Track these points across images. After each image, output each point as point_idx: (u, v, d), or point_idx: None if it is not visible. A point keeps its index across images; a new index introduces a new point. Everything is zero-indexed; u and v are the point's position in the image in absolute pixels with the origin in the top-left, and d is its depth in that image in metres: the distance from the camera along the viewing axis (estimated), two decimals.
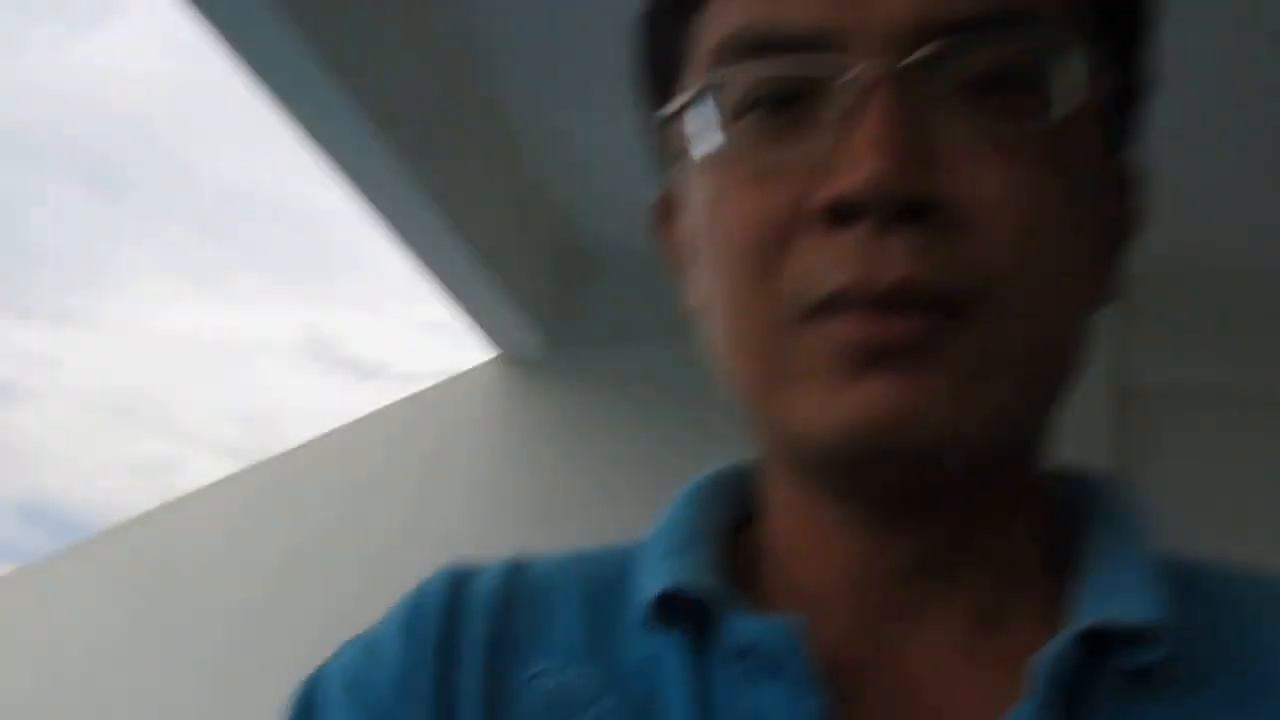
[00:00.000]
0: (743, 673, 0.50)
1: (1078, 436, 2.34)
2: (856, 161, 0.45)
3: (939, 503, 0.51)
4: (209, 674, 3.19)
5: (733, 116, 0.50)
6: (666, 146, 0.57)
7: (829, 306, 0.47)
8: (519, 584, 0.58)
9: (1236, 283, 2.99)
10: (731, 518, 0.58)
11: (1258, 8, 2.09)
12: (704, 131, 0.51)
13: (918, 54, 0.47)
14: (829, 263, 0.47)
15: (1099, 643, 0.48)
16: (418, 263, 2.89)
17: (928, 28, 0.47)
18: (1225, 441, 2.91)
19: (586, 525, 3.17)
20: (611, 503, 3.12)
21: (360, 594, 3.15)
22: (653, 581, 0.53)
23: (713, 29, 0.51)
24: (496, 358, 3.45)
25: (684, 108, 0.52)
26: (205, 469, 3.56)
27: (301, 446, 3.44)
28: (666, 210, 0.60)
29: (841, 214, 0.46)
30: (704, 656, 0.52)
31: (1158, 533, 0.54)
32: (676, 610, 0.53)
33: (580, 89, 2.68)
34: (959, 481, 0.50)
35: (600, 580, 0.57)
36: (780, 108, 0.49)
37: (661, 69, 0.56)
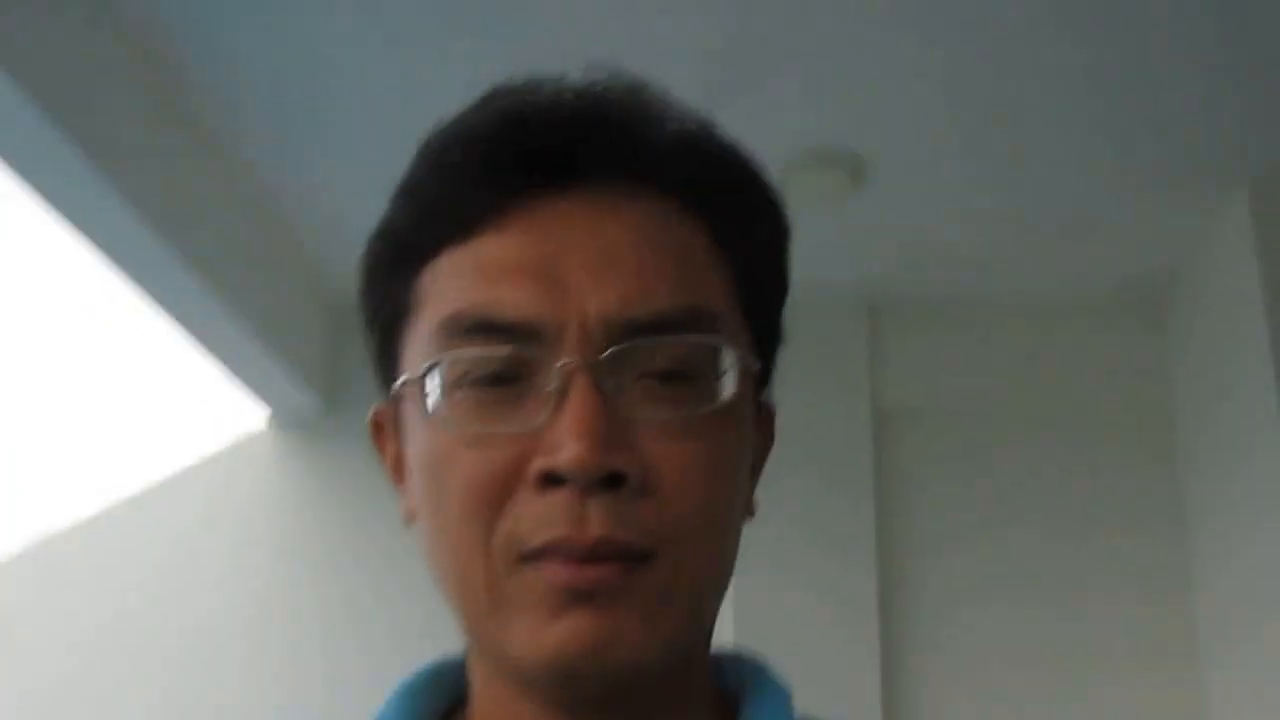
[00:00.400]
0: None
1: (846, 454, 2.44)
2: (562, 443, 0.56)
3: (626, 703, 0.60)
4: None
5: (453, 387, 0.59)
6: (385, 380, 0.66)
7: (540, 555, 0.57)
8: None
9: (964, 313, 3.21)
10: (440, 708, 0.68)
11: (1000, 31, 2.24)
12: (427, 397, 0.60)
13: (610, 350, 0.57)
14: (541, 520, 0.57)
15: None
16: (175, 325, 2.79)
17: (619, 327, 0.57)
18: (969, 452, 3.14)
19: (367, 583, 3.12)
20: (388, 560, 3.07)
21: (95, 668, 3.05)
22: None
23: (434, 298, 0.61)
24: (269, 420, 3.34)
25: (410, 378, 0.61)
26: None
27: (69, 529, 3.26)
28: (381, 426, 0.69)
29: (552, 481, 0.56)
30: None
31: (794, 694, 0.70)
32: None
33: (341, 143, 2.64)
34: (644, 686, 0.59)
35: None
36: (493, 384, 0.58)
37: (386, 312, 0.65)
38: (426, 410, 0.60)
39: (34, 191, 2.18)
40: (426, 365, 0.60)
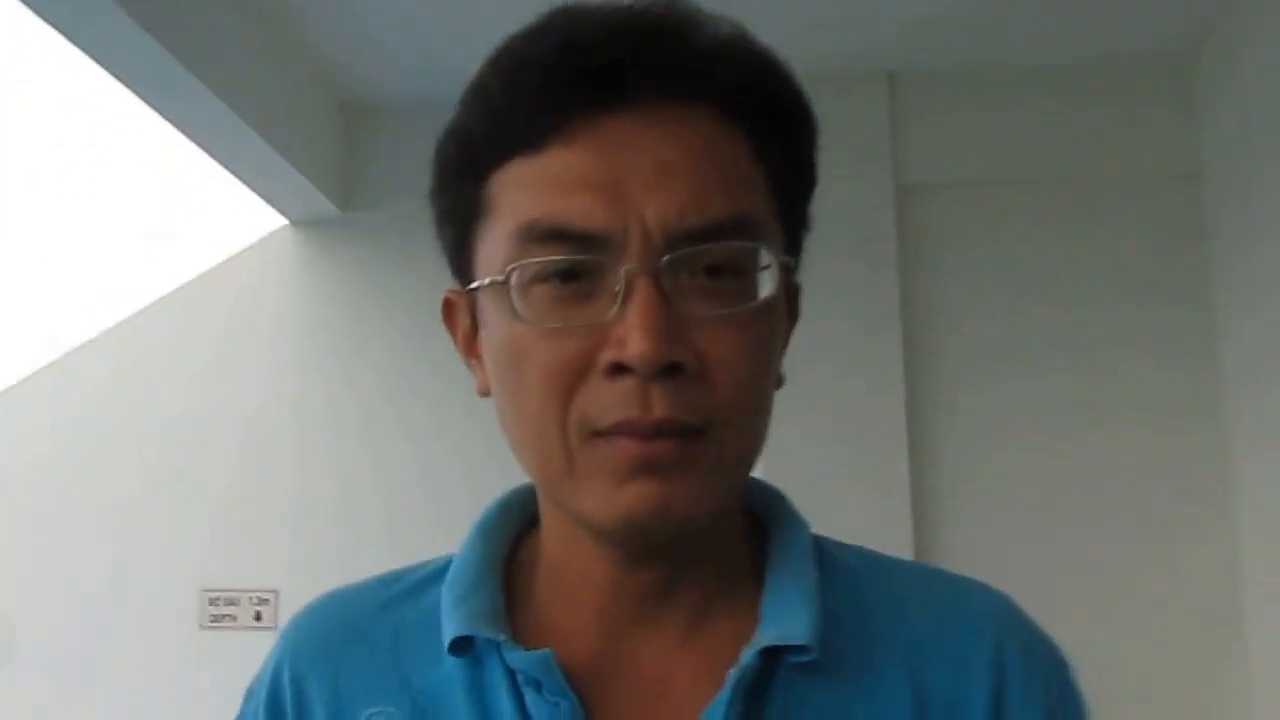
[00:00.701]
0: (512, 687, 0.73)
1: (869, 227, 2.43)
2: (628, 338, 0.65)
3: (680, 548, 0.73)
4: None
5: (529, 285, 0.68)
6: (462, 268, 0.74)
7: (611, 432, 0.67)
8: (343, 631, 0.80)
9: (984, 84, 3.13)
10: (513, 536, 0.81)
11: None
12: (509, 294, 0.68)
13: (667, 257, 0.66)
14: (611, 403, 0.67)
15: (776, 652, 0.72)
16: (186, 133, 2.76)
17: (675, 235, 0.67)
18: (990, 223, 3.11)
19: (392, 378, 3.19)
20: (415, 352, 3.12)
21: (161, 467, 3.18)
22: (450, 626, 0.74)
23: (507, 205, 0.69)
24: (285, 225, 3.34)
25: (489, 280, 0.70)
26: None
27: (106, 332, 3.33)
28: (452, 306, 0.78)
29: (620, 370, 0.66)
30: (486, 674, 0.74)
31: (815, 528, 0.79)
32: (467, 645, 0.74)
33: None
34: (695, 534, 0.72)
35: (407, 623, 0.79)
36: (566, 281, 0.67)
37: (460, 213, 0.73)
38: (509, 306, 0.69)
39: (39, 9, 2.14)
40: (508, 268, 0.68)
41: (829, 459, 2.93)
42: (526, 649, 0.73)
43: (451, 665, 0.75)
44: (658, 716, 0.73)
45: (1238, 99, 2.83)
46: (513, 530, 0.81)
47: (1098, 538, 2.93)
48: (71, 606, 3.18)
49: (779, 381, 0.75)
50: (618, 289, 0.66)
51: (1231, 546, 2.88)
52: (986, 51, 3.08)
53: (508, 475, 0.80)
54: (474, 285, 0.72)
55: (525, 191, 0.69)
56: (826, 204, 2.93)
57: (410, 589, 0.81)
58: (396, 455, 3.17)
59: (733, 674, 0.71)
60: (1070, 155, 3.11)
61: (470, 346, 0.76)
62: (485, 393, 0.75)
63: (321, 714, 0.77)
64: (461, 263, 0.74)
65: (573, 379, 0.67)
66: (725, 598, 0.76)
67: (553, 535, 0.77)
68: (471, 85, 0.72)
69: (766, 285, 0.70)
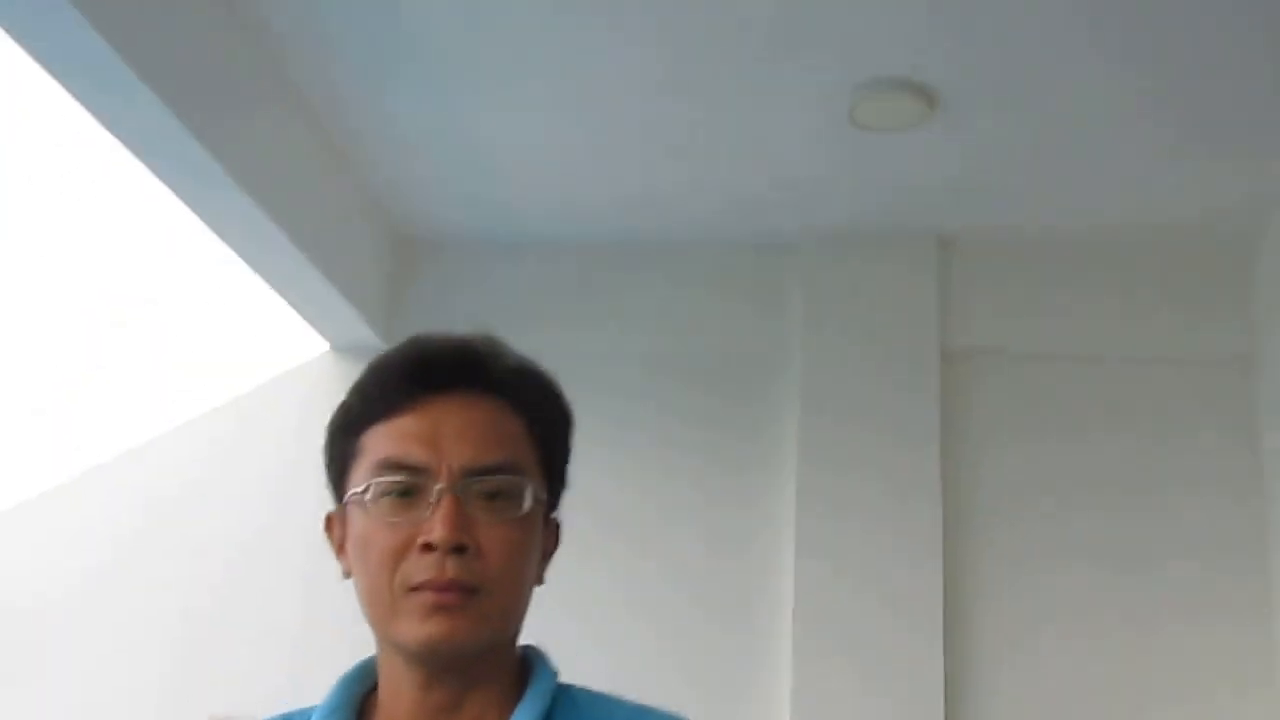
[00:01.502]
0: None
1: (910, 394, 2.38)
2: (435, 528, 1.03)
3: (463, 668, 1.08)
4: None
5: (378, 496, 1.07)
6: (340, 494, 1.13)
7: (420, 587, 1.04)
8: None
9: (1035, 252, 3.13)
10: (365, 689, 1.16)
11: None
12: (364, 500, 1.07)
13: (461, 483, 1.05)
14: (421, 568, 1.04)
15: None
16: (239, 252, 2.80)
17: (469, 469, 1.05)
18: (1030, 393, 3.07)
19: None
20: None
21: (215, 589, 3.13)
22: None
23: (370, 450, 1.09)
24: (328, 350, 3.35)
25: (355, 492, 1.09)
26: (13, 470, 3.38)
27: (134, 450, 3.32)
28: (332, 522, 1.15)
29: (429, 548, 1.03)
30: None
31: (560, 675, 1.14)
32: None
33: (411, 74, 2.60)
34: (470, 663, 1.08)
35: None
36: (400, 495, 1.06)
37: (340, 459, 1.12)
38: (364, 508, 1.08)
39: (101, 120, 2.18)
40: (366, 484, 1.08)
41: (866, 624, 2.87)
42: None
43: None
44: None
45: None
46: (367, 682, 1.16)
47: None
48: None
49: (539, 579, 1.13)
50: (432, 500, 1.05)
51: None
52: (1041, 216, 3.08)
53: None
54: (346, 498, 1.11)
55: (381, 441, 1.09)
56: (878, 361, 2.86)
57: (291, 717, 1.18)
58: None
59: None
60: (1122, 329, 3.08)
61: (341, 547, 1.14)
62: (348, 575, 1.12)
63: None
64: (340, 489, 1.13)
65: (399, 554, 1.05)
66: (496, 714, 1.10)
67: (384, 671, 1.13)
68: (356, 382, 1.14)
69: (526, 504, 1.08)
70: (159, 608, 3.18)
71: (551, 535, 1.17)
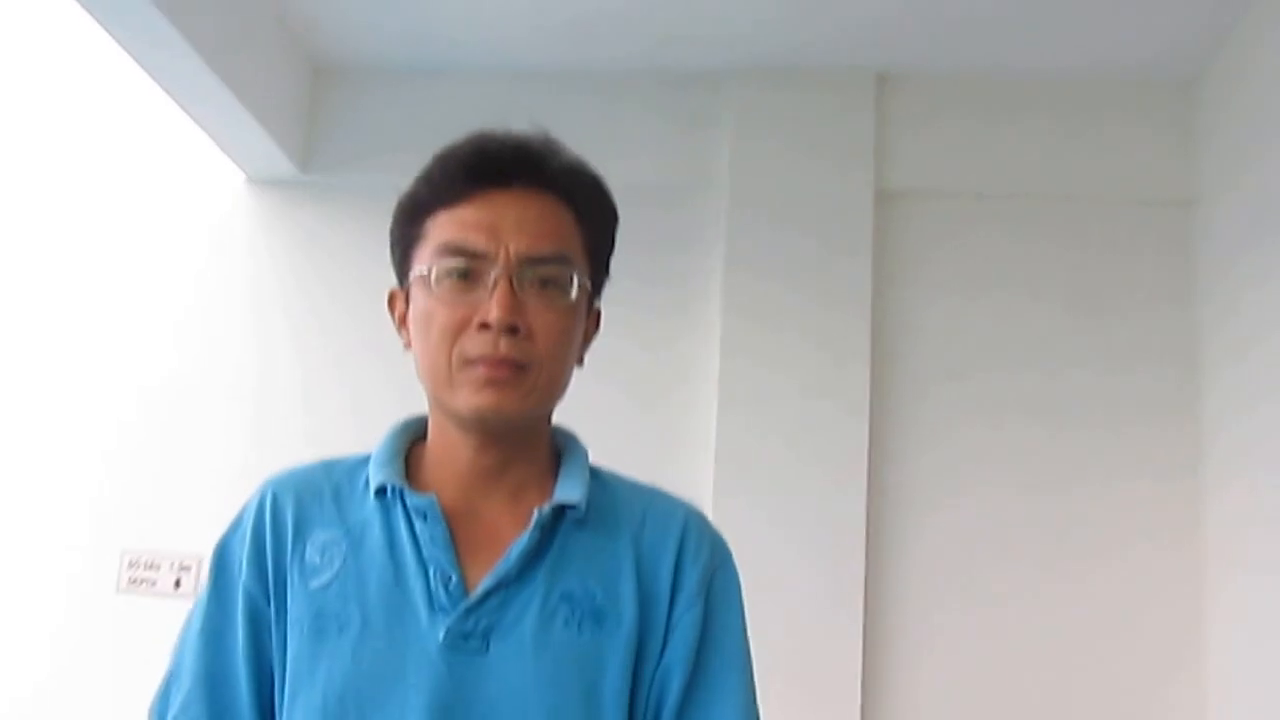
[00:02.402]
0: (408, 519, 1.21)
1: (843, 235, 2.36)
2: (491, 310, 1.15)
3: (506, 441, 1.22)
4: None
5: (441, 277, 1.18)
6: (403, 274, 1.25)
7: (475, 361, 1.16)
8: (303, 485, 1.25)
9: (975, 91, 3.08)
10: (412, 439, 1.29)
11: None
12: (427, 280, 1.19)
13: (517, 270, 1.17)
14: (477, 345, 1.16)
15: (561, 508, 1.21)
16: (155, 81, 2.68)
17: (524, 257, 1.17)
18: (965, 235, 3.05)
19: (336, 342, 3.12)
20: (357, 321, 3.08)
21: (111, 423, 3.08)
22: (375, 479, 1.23)
23: (433, 235, 1.20)
24: (244, 181, 3.24)
25: (419, 272, 1.21)
26: None
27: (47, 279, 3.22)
28: (394, 298, 1.28)
29: (486, 326, 1.15)
30: (394, 512, 1.22)
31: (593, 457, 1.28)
32: (383, 492, 1.22)
33: None
34: (516, 432, 1.22)
35: (341, 481, 1.26)
36: (460, 278, 1.18)
37: (405, 241, 1.24)
38: (427, 287, 1.19)
39: None
40: (429, 266, 1.19)
41: (783, 432, 2.90)
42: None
43: (371, 508, 1.22)
44: (492, 543, 1.20)
45: (1239, 118, 2.77)
46: (410, 438, 1.28)
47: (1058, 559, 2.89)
48: None
49: (580, 361, 1.26)
50: (489, 283, 1.17)
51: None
52: (981, 57, 3.02)
53: None
54: (410, 277, 1.23)
55: (444, 227, 1.20)
56: (808, 203, 2.83)
57: (344, 464, 1.27)
58: (330, 394, 3.10)
59: (535, 516, 1.19)
60: (1061, 169, 3.05)
61: (403, 320, 1.26)
62: (408, 347, 1.24)
63: (290, 529, 1.21)
64: (403, 269, 1.25)
65: (457, 331, 1.17)
66: (535, 481, 1.25)
67: (435, 434, 1.26)
68: (422, 171, 1.23)
69: (573, 293, 1.20)
70: (76, 444, 3.14)
71: (593, 322, 1.28)
